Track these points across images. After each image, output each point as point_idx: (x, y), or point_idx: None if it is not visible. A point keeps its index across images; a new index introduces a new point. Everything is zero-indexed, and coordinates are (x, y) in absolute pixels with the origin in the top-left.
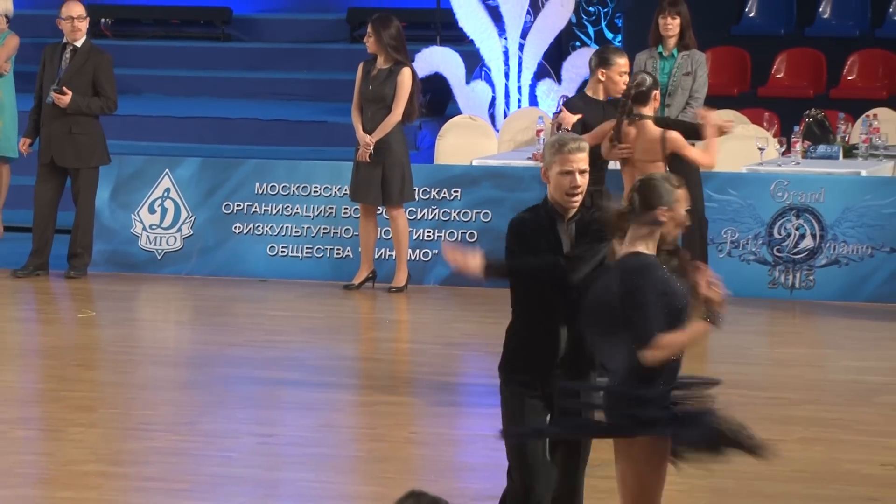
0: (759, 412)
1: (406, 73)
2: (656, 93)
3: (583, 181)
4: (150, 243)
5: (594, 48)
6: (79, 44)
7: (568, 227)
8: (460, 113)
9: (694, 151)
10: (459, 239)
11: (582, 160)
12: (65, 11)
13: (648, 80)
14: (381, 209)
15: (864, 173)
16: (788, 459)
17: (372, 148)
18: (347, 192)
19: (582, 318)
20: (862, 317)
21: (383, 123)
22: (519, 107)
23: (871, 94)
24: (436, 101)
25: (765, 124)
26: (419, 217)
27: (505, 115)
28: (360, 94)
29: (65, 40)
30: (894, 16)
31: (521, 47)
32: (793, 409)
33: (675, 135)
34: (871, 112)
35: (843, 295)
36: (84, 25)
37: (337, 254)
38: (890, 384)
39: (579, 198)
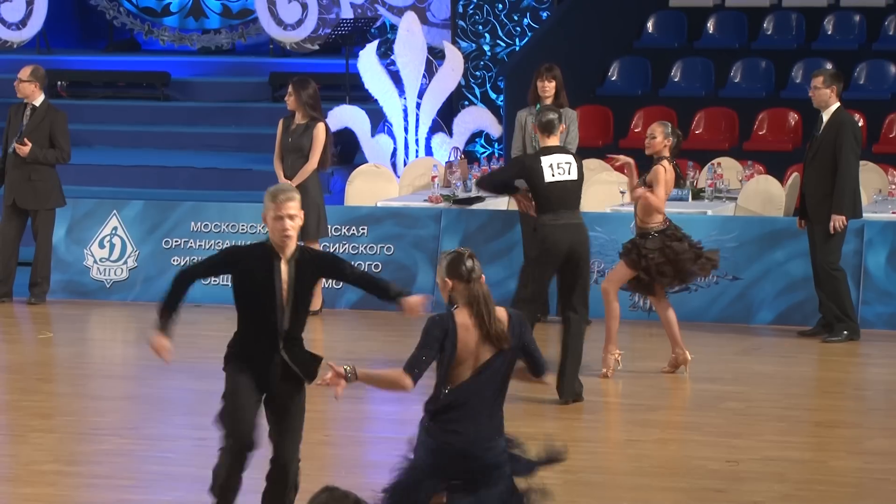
0: (621, 416)
1: (321, 127)
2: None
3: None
4: (101, 274)
5: (481, 106)
6: (37, 103)
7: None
8: (366, 162)
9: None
10: (366, 269)
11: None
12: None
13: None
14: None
15: (709, 213)
16: (647, 457)
17: None
18: None
19: None
20: (709, 335)
21: (302, 170)
22: (416, 157)
23: (715, 146)
24: (345, 151)
25: (625, 171)
26: (332, 250)
27: (405, 164)
28: (280, 145)
29: (25, 100)
30: (735, 79)
31: (419, 106)
32: (650, 414)
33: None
34: (715, 161)
35: (694, 316)
36: (23, 87)
37: None
38: (733, 392)
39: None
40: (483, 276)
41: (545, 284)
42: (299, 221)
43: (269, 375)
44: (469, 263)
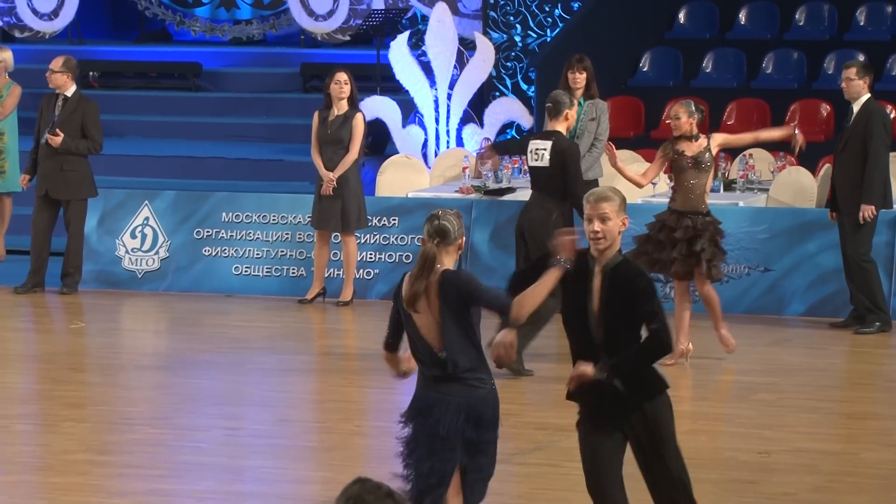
0: None
1: (359, 118)
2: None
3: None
4: (132, 264)
5: (512, 97)
6: (69, 93)
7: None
8: (397, 153)
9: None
10: (397, 260)
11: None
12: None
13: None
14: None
15: (741, 204)
16: None
17: (335, 182)
18: (302, 220)
19: None
20: (740, 326)
21: (343, 161)
22: (447, 147)
23: None
24: (376, 142)
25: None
26: (363, 241)
27: (435, 155)
28: (318, 137)
29: (57, 91)
30: (766, 70)
31: (450, 97)
32: (681, 405)
33: None
34: (747, 152)
35: (725, 308)
36: (55, 77)
37: (293, 273)
38: (764, 384)
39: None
40: (459, 240)
41: (519, 260)
42: (613, 225)
43: (602, 404)
44: (435, 224)
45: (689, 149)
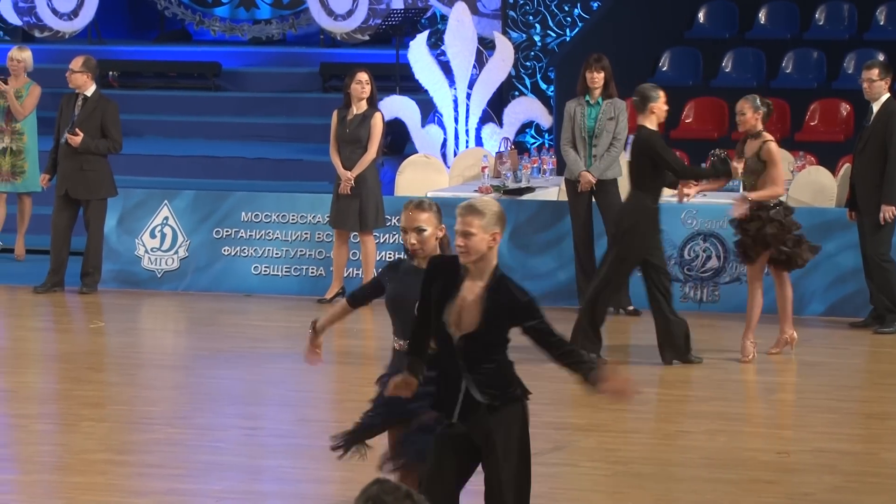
0: (672, 408)
1: (378, 117)
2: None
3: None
4: (152, 264)
5: (531, 97)
6: (89, 93)
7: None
8: (416, 152)
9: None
10: None
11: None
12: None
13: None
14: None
15: None
16: (697, 448)
17: (353, 181)
18: (321, 220)
19: None
20: (760, 326)
21: (361, 160)
22: (467, 147)
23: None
24: (396, 142)
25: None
26: (382, 241)
27: (455, 154)
28: (336, 136)
29: (77, 91)
30: (786, 70)
31: (469, 96)
32: (701, 405)
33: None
34: None
35: (744, 307)
36: (74, 77)
37: (312, 272)
38: (783, 383)
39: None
40: None
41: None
42: (477, 241)
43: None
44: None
45: (750, 148)
